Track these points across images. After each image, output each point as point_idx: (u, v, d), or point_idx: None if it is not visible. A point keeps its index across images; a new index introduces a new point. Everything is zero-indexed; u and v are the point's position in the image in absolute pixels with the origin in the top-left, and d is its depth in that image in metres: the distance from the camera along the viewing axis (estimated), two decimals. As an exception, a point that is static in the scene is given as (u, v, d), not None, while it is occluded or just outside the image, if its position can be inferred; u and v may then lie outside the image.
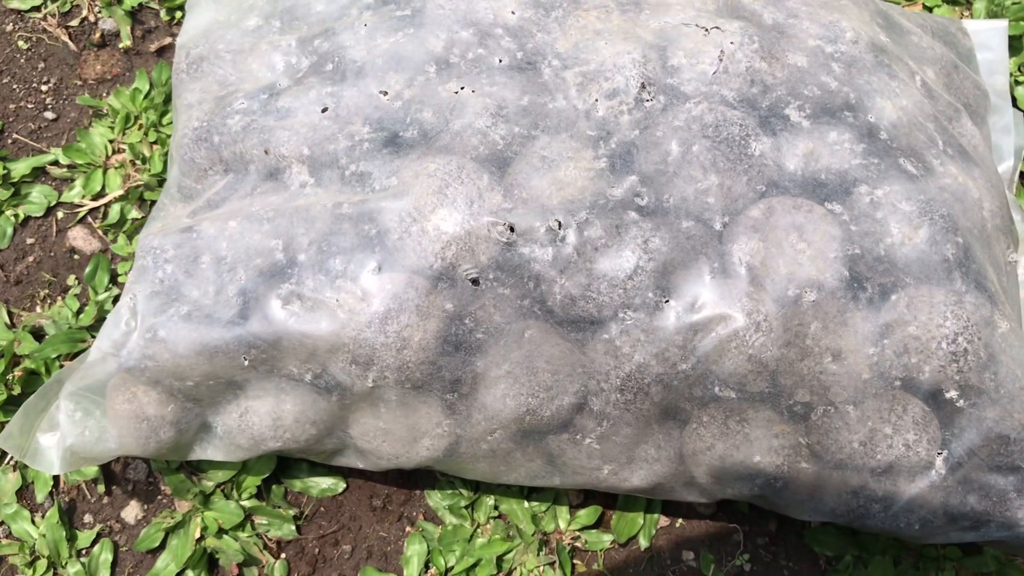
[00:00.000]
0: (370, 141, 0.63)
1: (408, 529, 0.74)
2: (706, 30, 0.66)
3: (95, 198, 0.85)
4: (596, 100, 0.63)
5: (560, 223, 0.59)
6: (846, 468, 0.61)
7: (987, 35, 0.84)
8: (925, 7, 1.00)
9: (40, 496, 0.74)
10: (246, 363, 0.60)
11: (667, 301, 0.58)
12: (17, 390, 0.75)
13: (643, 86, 0.63)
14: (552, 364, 0.60)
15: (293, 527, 0.73)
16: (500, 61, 0.65)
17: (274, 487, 0.74)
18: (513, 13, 0.67)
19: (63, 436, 0.64)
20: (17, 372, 0.76)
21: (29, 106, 0.89)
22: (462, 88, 0.63)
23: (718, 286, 0.59)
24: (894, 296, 0.60)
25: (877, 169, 0.63)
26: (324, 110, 0.65)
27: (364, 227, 0.60)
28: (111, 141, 0.86)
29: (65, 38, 0.92)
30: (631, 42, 0.64)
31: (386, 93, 0.64)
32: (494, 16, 0.67)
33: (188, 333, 0.60)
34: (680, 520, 0.75)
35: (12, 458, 0.75)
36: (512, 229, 0.59)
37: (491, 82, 0.64)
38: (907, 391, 0.60)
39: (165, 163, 0.84)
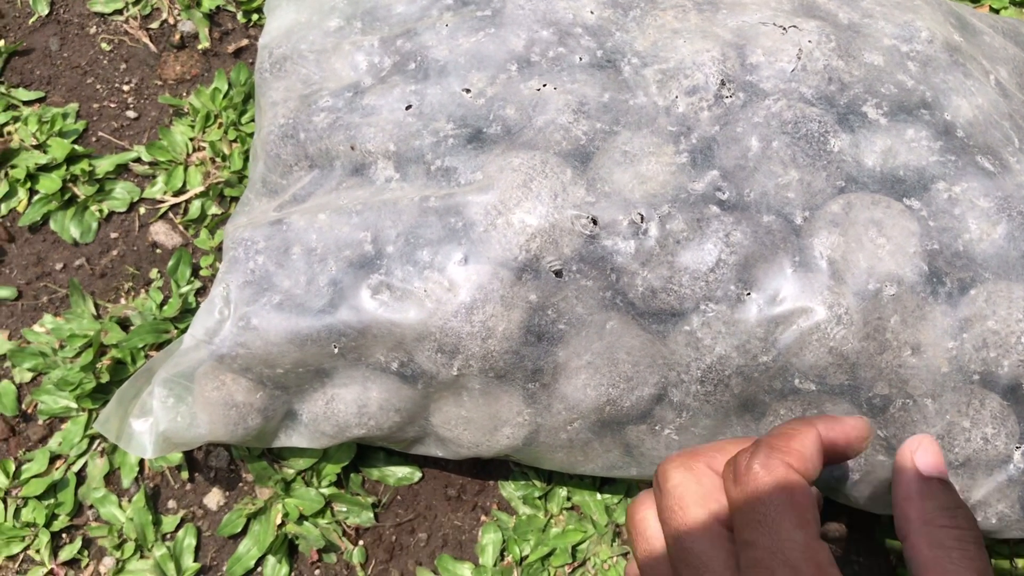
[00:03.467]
0: (454, 137, 0.64)
1: (482, 518, 0.76)
2: (783, 29, 0.67)
3: (176, 194, 0.88)
4: (676, 97, 0.64)
5: (642, 216, 0.60)
6: (923, 461, 0.62)
7: (1059, 35, 0.84)
8: (992, 9, 1.00)
9: (126, 482, 0.76)
10: (336, 351, 0.62)
11: (748, 294, 0.59)
12: (105, 378, 0.77)
13: (723, 83, 0.64)
14: (633, 355, 0.61)
15: (371, 514, 0.75)
16: (580, 59, 0.66)
17: (352, 475, 0.76)
18: (592, 13, 0.68)
19: (156, 421, 0.66)
20: (105, 361, 0.78)
21: (112, 105, 0.92)
22: (544, 86, 0.65)
23: (799, 279, 0.59)
24: (973, 291, 0.61)
25: (954, 166, 0.64)
26: (408, 107, 0.66)
27: (450, 220, 0.61)
28: (192, 139, 0.89)
29: (146, 40, 0.94)
30: (709, 40, 0.66)
31: (469, 91, 0.66)
32: (573, 16, 0.68)
33: (280, 322, 0.62)
34: (750, 514, 0.76)
35: (100, 444, 0.77)
36: (595, 222, 0.60)
37: (572, 80, 0.65)
38: (985, 385, 0.61)
39: (245, 160, 0.87)
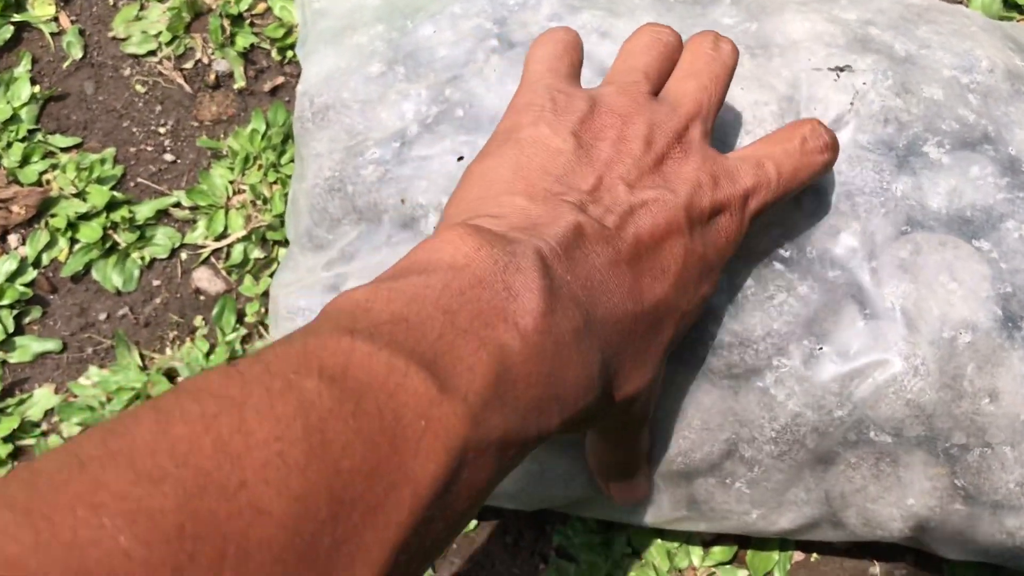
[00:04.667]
0: (510, 190, 0.63)
1: (541, 567, 0.75)
2: (837, 74, 0.65)
3: (218, 239, 0.87)
4: (736, 144, 0.63)
5: (708, 270, 0.59)
6: (1002, 509, 0.61)
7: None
8: (1038, 19, 0.98)
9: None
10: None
11: (821, 348, 0.58)
12: (156, 434, 0.77)
13: (782, 130, 0.63)
14: (702, 410, 0.60)
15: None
16: (635, 105, 0.65)
17: (409, 526, 0.75)
18: (644, 55, 0.67)
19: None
20: (156, 416, 0.77)
21: (149, 149, 0.91)
22: (599, 134, 0.64)
23: (871, 330, 0.58)
24: (1049, 334, 0.59)
25: (1023, 203, 0.62)
26: (460, 159, 0.65)
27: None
28: (231, 182, 0.88)
29: (180, 81, 0.93)
30: (766, 92, 0.64)
31: (522, 140, 0.65)
32: (625, 58, 0.67)
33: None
34: (815, 555, 0.74)
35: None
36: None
37: (628, 127, 0.64)
38: (1065, 431, 0.59)
39: (286, 203, 0.86)
